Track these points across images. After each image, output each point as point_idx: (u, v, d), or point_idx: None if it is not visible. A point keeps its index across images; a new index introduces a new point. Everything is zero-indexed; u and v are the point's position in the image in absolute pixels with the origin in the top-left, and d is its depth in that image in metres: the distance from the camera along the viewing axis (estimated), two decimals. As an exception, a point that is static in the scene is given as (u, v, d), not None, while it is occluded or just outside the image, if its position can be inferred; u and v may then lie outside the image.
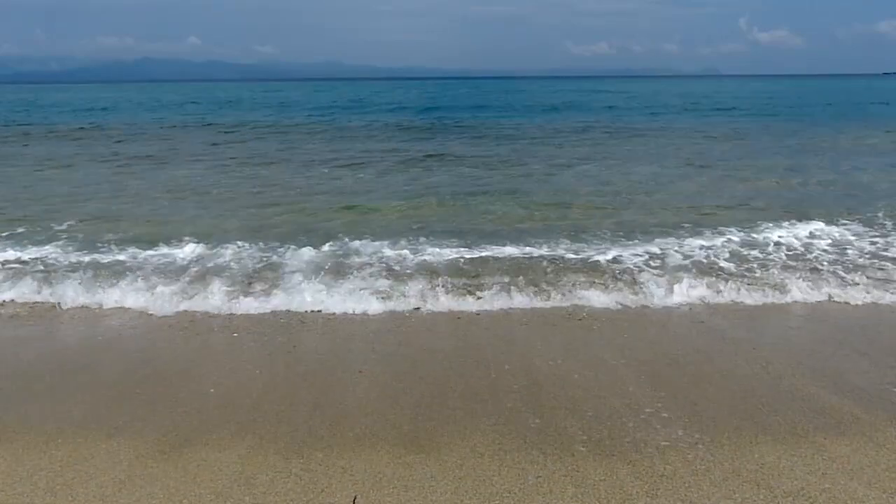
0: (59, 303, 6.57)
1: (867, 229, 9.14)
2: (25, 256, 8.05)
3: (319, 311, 6.31)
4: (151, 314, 6.35)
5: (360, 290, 6.68)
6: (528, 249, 8.16)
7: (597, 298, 6.52)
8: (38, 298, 6.74)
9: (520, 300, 6.52)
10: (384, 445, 3.87)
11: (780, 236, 8.67)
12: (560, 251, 8.08)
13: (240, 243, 8.50)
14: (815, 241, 8.44)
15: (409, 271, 7.28)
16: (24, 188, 13.39)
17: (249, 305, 6.44)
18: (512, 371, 4.91)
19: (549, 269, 7.35)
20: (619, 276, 7.08)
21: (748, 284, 6.87)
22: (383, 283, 6.89)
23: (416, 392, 4.59)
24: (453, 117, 32.80)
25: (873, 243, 8.37)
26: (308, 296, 6.56)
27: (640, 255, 7.83)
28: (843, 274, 7.16)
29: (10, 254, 8.22)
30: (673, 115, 34.67)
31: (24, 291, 6.86)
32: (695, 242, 8.41)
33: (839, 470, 3.55)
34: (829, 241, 8.51)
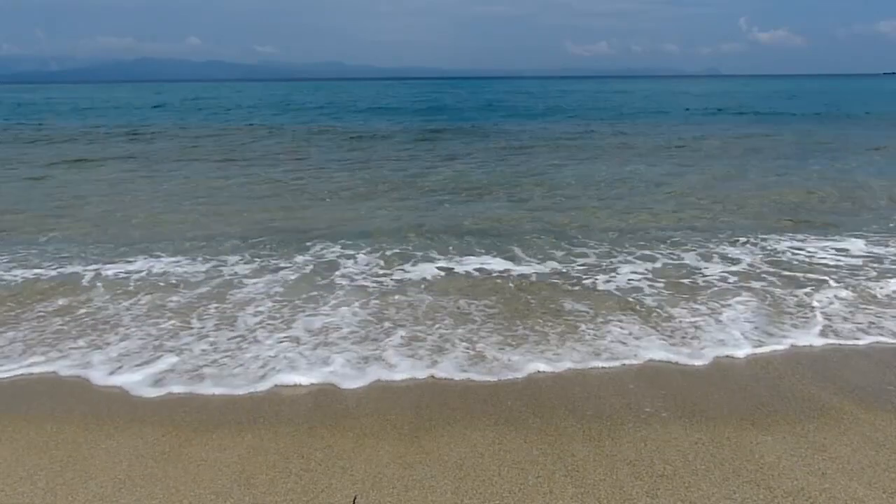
0: None
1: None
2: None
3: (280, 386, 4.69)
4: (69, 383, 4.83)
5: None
6: (565, 268, 7.39)
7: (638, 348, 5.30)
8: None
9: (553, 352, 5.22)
10: (384, 445, 3.88)
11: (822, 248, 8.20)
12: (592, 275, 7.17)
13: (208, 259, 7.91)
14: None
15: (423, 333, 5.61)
16: (25, 193, 13.38)
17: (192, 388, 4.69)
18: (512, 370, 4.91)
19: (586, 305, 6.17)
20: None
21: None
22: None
23: (416, 392, 4.59)
24: (460, 119, 32.44)
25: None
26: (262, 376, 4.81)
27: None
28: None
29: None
30: (706, 116, 33.91)
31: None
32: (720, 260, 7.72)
33: (839, 470, 3.55)
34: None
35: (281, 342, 5.42)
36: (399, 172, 15.16)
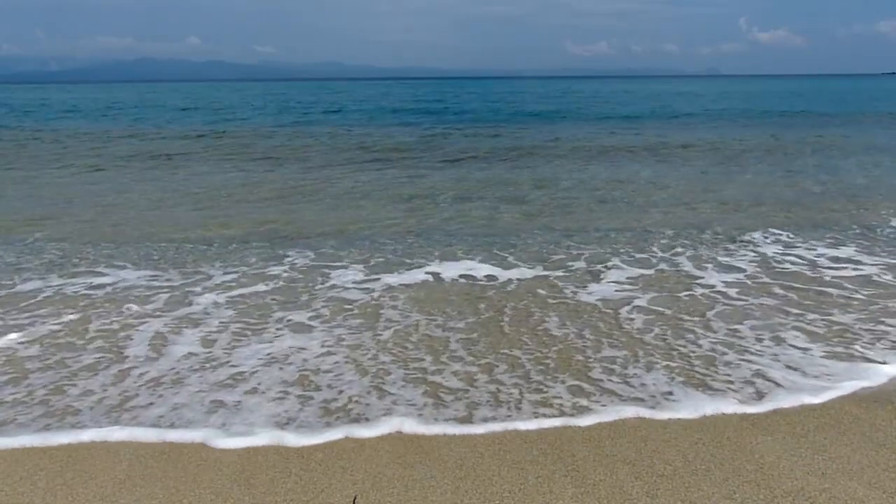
0: None
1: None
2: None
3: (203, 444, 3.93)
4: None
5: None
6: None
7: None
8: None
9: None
10: (384, 445, 3.88)
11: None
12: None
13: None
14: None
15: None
16: (18, 194, 13.38)
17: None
18: (512, 371, 4.89)
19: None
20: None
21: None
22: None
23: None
24: (463, 120, 32.01)
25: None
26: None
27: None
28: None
29: None
30: (718, 116, 32.66)
31: None
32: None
33: (839, 470, 3.55)
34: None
35: (217, 386, 4.62)
36: (399, 174, 15.13)
